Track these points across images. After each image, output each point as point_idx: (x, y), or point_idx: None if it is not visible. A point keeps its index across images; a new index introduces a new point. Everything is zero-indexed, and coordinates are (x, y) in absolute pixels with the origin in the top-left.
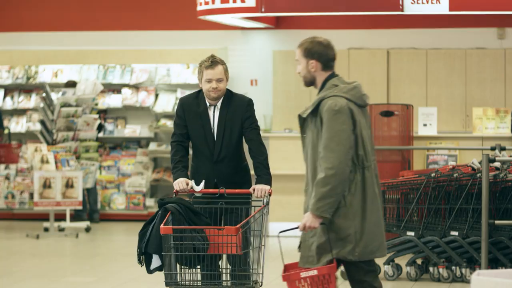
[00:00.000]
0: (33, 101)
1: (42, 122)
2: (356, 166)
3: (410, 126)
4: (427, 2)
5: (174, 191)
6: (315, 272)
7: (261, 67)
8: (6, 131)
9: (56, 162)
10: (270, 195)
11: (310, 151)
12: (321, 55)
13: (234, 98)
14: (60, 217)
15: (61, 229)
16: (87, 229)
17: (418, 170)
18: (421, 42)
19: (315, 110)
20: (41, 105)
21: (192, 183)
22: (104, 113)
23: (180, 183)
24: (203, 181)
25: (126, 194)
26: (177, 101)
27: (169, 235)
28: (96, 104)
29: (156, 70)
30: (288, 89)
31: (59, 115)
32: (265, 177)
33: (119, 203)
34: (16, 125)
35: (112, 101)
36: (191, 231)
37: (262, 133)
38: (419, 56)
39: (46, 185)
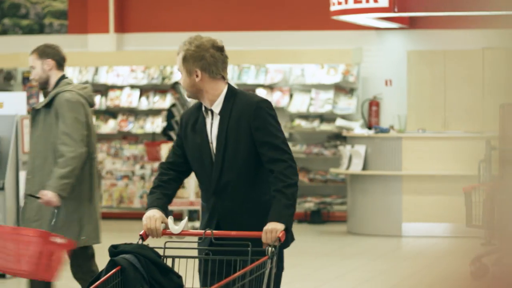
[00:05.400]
0: (168, 101)
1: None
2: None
3: None
4: None
5: (141, 233)
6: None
7: (396, 67)
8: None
9: None
10: (280, 241)
11: (42, 141)
12: (55, 54)
13: (237, 99)
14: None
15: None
16: None
17: None
18: None
19: (50, 103)
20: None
21: (169, 221)
22: None
23: (150, 219)
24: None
25: None
26: (312, 102)
27: None
28: None
29: (291, 70)
30: (422, 89)
31: None
32: (278, 211)
33: None
34: (152, 125)
35: None
36: None
37: (396, 134)
38: None
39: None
